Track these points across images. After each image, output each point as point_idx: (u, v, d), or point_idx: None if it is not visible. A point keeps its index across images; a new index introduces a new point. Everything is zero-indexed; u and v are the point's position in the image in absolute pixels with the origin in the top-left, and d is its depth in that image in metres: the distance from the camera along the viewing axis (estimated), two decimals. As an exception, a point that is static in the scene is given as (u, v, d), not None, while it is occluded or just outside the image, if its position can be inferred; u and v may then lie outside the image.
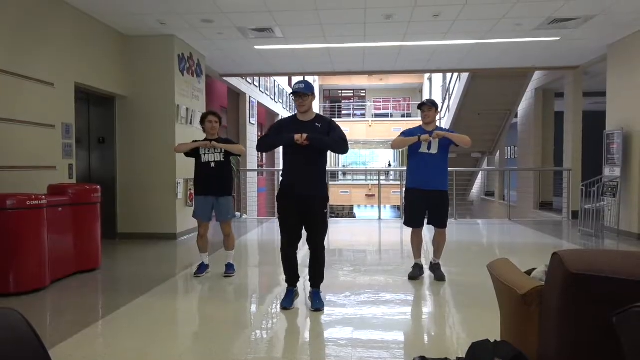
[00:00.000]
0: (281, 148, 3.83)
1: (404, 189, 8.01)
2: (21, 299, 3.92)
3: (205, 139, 4.70)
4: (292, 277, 3.77)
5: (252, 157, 12.33)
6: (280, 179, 3.83)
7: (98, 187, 5.14)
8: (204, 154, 4.63)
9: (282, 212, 3.71)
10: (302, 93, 3.61)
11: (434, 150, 4.43)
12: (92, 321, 3.45)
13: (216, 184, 4.66)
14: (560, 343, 1.63)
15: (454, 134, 4.46)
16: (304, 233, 3.73)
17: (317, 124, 3.66)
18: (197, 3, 5.66)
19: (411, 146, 4.53)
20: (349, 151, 3.88)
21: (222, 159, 4.65)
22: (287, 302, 3.68)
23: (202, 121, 4.75)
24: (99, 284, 4.75)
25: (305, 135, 3.52)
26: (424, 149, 4.45)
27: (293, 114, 3.89)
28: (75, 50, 5.79)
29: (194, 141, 4.80)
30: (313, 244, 3.70)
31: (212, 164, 4.62)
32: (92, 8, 5.87)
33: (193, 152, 4.69)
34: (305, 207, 3.61)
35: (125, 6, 5.82)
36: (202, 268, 4.79)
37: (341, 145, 3.67)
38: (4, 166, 4.64)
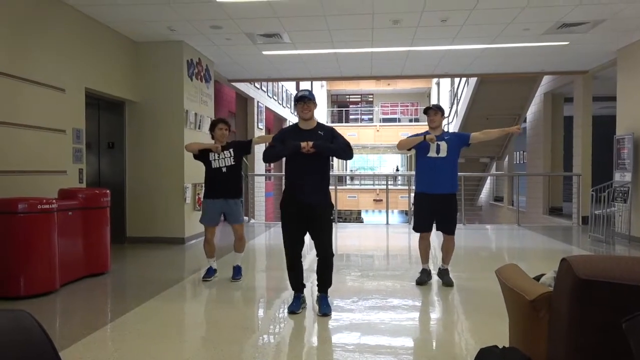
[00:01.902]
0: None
1: (412, 194, 7.99)
2: (32, 302, 3.96)
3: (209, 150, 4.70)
4: (298, 285, 3.78)
5: (260, 162, 12.37)
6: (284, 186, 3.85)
7: (107, 191, 5.19)
8: (214, 160, 4.64)
9: (286, 220, 3.71)
10: (308, 98, 3.64)
11: (442, 153, 4.42)
12: (101, 324, 3.48)
13: (228, 187, 4.67)
14: (569, 349, 1.61)
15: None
16: (311, 240, 3.73)
17: (319, 132, 3.68)
18: (206, 10, 5.72)
19: (419, 150, 4.52)
20: (357, 156, 3.90)
21: (233, 163, 4.65)
22: (295, 307, 3.68)
23: (212, 128, 4.75)
24: (108, 288, 4.78)
25: (311, 143, 3.54)
26: (432, 153, 4.44)
27: (295, 123, 3.90)
28: (86, 56, 5.87)
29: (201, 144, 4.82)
30: (322, 252, 3.69)
31: (224, 169, 4.62)
32: (103, 15, 5.95)
33: (201, 156, 4.71)
34: (310, 215, 3.62)
35: (136, 13, 5.89)
36: (210, 272, 4.81)
37: (346, 151, 3.69)
38: (16, 170, 4.70)
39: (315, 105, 3.70)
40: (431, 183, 4.47)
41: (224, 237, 5.13)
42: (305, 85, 17.59)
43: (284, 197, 3.77)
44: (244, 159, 5.09)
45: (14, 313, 0.99)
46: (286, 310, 3.72)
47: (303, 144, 3.53)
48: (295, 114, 3.91)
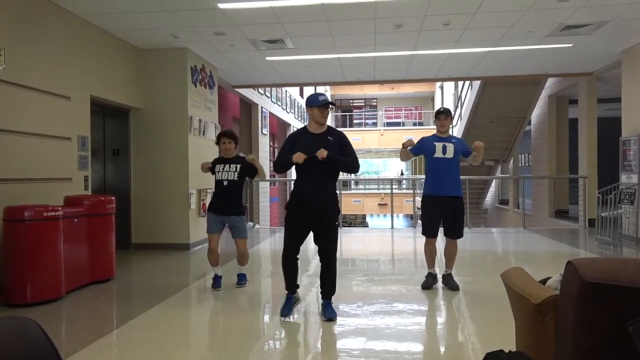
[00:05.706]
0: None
1: (417, 198, 7.97)
2: (38, 309, 3.97)
3: (220, 158, 4.72)
4: (292, 284, 3.77)
5: (264, 167, 12.39)
6: (292, 188, 3.84)
7: (113, 198, 5.21)
8: (219, 172, 4.62)
9: (290, 220, 3.70)
10: (331, 104, 3.68)
11: (449, 154, 4.46)
12: (106, 331, 3.49)
13: (227, 204, 4.62)
14: (575, 353, 1.60)
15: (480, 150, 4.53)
16: (314, 245, 3.73)
17: (329, 137, 3.67)
18: (210, 17, 5.75)
19: (426, 154, 4.59)
20: (361, 160, 3.94)
21: (235, 178, 4.58)
22: (286, 310, 3.69)
23: (218, 141, 4.75)
24: (113, 294, 4.79)
25: (325, 152, 3.51)
26: (438, 153, 4.47)
27: (304, 126, 3.90)
28: (91, 64, 5.91)
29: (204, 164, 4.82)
30: (325, 256, 3.68)
31: (225, 182, 4.58)
32: (107, 23, 6.00)
33: (211, 168, 4.70)
34: (316, 218, 3.62)
35: (140, 21, 5.93)
36: (218, 281, 4.73)
37: (354, 165, 3.69)
38: (22, 178, 4.73)
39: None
40: (439, 184, 4.50)
41: (229, 244, 5.13)
42: (309, 90, 17.62)
43: (290, 199, 3.77)
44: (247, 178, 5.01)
45: (19, 320, 0.99)
46: (292, 316, 3.71)
47: (318, 154, 3.52)
48: (307, 118, 3.90)
